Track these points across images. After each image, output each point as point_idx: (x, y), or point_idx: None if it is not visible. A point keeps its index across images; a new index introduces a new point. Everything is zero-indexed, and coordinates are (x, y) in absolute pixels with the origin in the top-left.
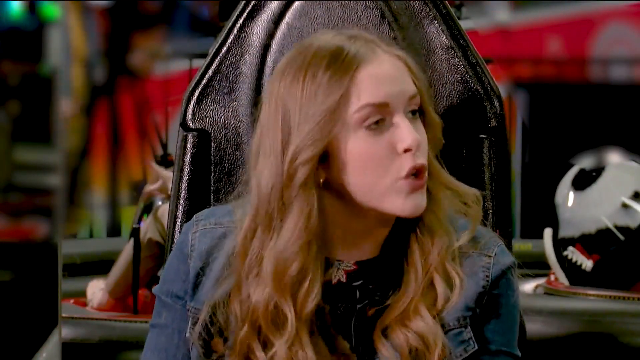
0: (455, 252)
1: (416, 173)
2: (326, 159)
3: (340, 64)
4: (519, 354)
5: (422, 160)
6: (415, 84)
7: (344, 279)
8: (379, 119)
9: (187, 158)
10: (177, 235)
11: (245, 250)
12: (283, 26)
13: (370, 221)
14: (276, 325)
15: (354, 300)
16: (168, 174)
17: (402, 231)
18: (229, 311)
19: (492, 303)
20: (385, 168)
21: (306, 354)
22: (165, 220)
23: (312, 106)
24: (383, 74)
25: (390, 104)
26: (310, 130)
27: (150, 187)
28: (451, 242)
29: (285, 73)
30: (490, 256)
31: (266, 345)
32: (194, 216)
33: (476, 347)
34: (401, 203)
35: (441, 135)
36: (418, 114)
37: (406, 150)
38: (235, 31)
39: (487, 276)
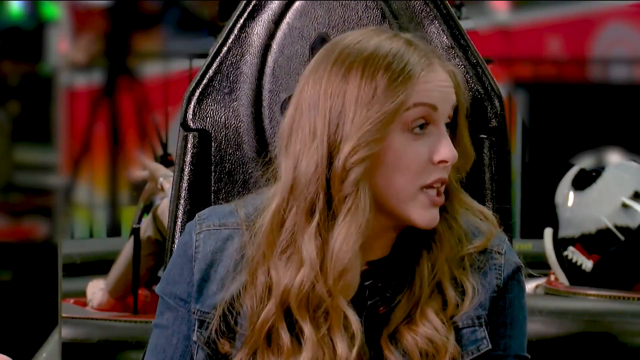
0: (466, 258)
1: (438, 187)
2: None
3: (403, 69)
4: (529, 356)
5: (445, 175)
6: (457, 95)
7: None
8: (424, 123)
9: (188, 158)
10: (177, 235)
11: (274, 231)
12: (284, 26)
13: (388, 224)
14: (308, 308)
15: (364, 299)
16: (155, 166)
17: (412, 233)
18: (242, 303)
19: (505, 308)
20: (416, 174)
21: (336, 344)
22: (164, 218)
23: (370, 105)
24: (439, 82)
25: (439, 109)
26: (369, 130)
27: (139, 174)
28: (461, 249)
29: (337, 62)
30: (500, 253)
31: (292, 329)
32: (196, 215)
33: (489, 346)
34: (421, 215)
35: (469, 167)
36: (450, 129)
37: (440, 162)
38: (235, 31)
39: (499, 275)
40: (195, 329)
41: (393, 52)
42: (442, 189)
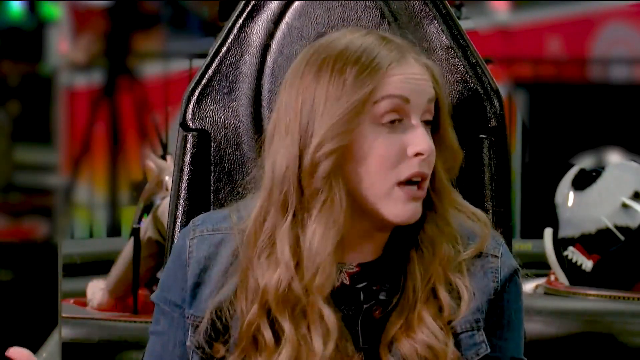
0: (462, 263)
1: (417, 182)
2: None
3: (371, 62)
4: (525, 359)
5: (425, 170)
6: (435, 91)
7: (347, 282)
8: (397, 118)
9: (187, 158)
10: (177, 235)
11: (257, 232)
12: (283, 26)
13: (371, 224)
14: (286, 307)
15: (359, 302)
16: (162, 165)
17: (404, 235)
18: (234, 307)
19: (502, 310)
20: (391, 168)
21: (313, 340)
22: (164, 219)
23: (339, 99)
24: (410, 74)
25: (411, 101)
26: (336, 123)
27: (148, 164)
28: (456, 253)
29: (309, 62)
30: (496, 256)
31: (274, 327)
32: (191, 221)
33: (488, 350)
34: (397, 210)
35: (459, 165)
36: (431, 127)
37: (417, 155)
38: (235, 31)
39: (495, 278)
40: (189, 333)
41: (363, 47)
42: (425, 184)
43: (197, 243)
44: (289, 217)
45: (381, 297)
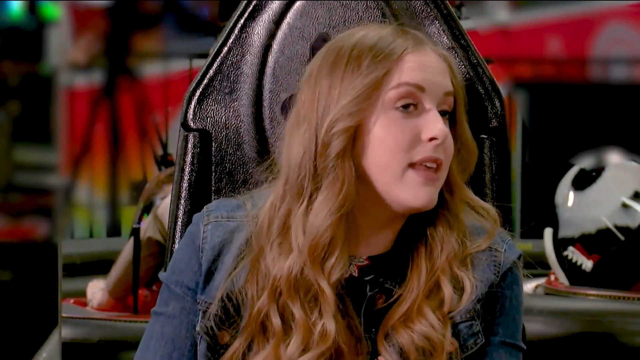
0: (468, 258)
1: (432, 167)
2: (354, 138)
3: (387, 47)
4: (524, 346)
5: (441, 155)
6: (453, 84)
7: (355, 274)
8: (411, 102)
9: (188, 158)
10: (178, 235)
11: (271, 219)
12: (284, 26)
13: (385, 214)
14: (298, 293)
15: (364, 293)
16: None
17: (415, 230)
18: (244, 292)
19: (495, 295)
20: (404, 151)
21: (324, 324)
22: (165, 219)
23: (353, 81)
24: (426, 62)
25: (426, 90)
26: (349, 103)
27: None
28: (463, 248)
29: (327, 56)
30: (500, 251)
31: (283, 314)
32: (204, 207)
33: (484, 340)
34: (411, 194)
35: (474, 163)
36: (449, 120)
37: (431, 139)
38: (236, 31)
39: (497, 272)
40: (199, 319)
41: (379, 36)
42: (442, 169)
43: (211, 229)
44: (304, 202)
45: (386, 285)
